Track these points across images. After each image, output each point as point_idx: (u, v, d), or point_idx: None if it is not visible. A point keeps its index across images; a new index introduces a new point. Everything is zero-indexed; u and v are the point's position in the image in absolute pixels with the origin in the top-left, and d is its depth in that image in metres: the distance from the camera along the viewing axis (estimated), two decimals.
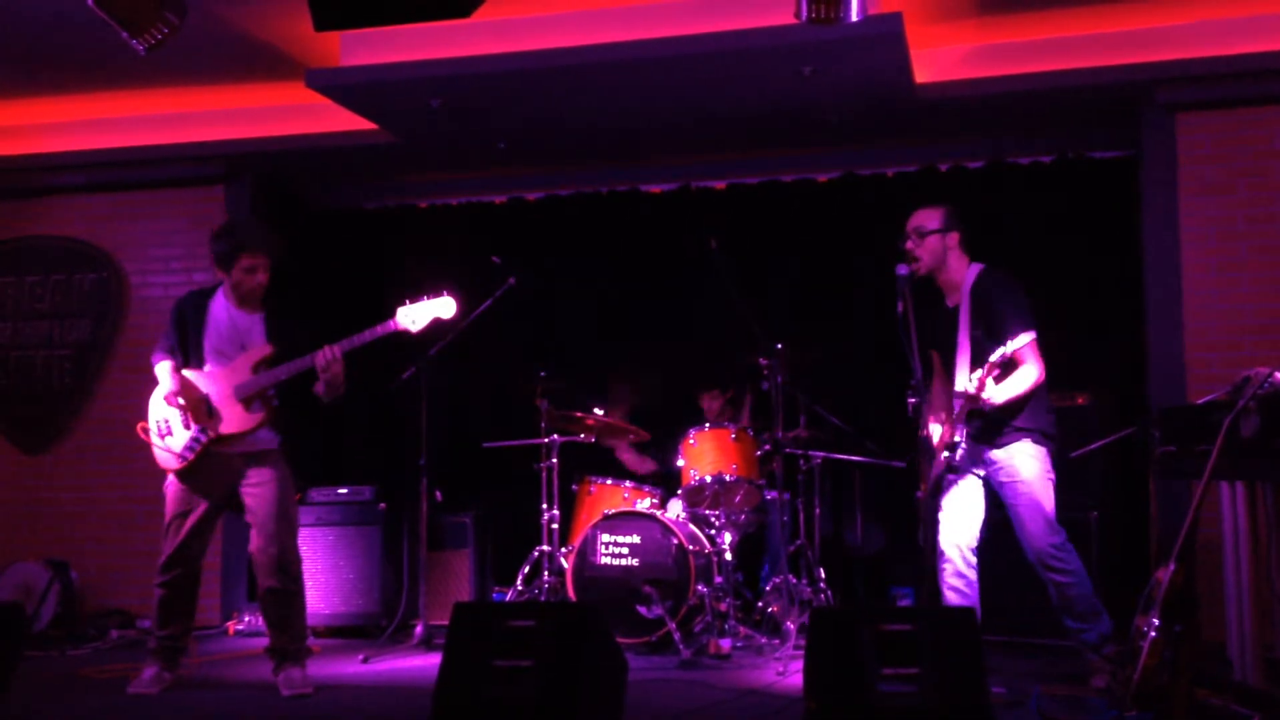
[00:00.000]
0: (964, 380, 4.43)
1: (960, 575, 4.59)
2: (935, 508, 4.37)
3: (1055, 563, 4.46)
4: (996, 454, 4.55)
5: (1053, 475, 4.55)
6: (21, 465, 7.21)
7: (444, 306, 4.72)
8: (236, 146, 6.87)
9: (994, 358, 4.19)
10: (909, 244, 4.67)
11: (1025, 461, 4.51)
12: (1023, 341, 4.29)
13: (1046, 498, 4.50)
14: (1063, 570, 4.45)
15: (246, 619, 6.47)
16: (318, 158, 7.01)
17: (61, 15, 5.54)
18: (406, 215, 7.59)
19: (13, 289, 7.33)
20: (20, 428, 7.26)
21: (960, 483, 4.62)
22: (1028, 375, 4.44)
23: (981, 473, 4.63)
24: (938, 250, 4.64)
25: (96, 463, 7.05)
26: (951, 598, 4.59)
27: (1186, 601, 3.49)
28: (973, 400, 4.31)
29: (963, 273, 4.68)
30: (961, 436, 4.44)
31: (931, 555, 4.45)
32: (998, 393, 4.34)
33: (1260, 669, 3.99)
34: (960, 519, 4.60)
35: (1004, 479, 4.54)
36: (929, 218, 4.67)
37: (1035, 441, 4.53)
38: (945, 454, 4.42)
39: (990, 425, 4.54)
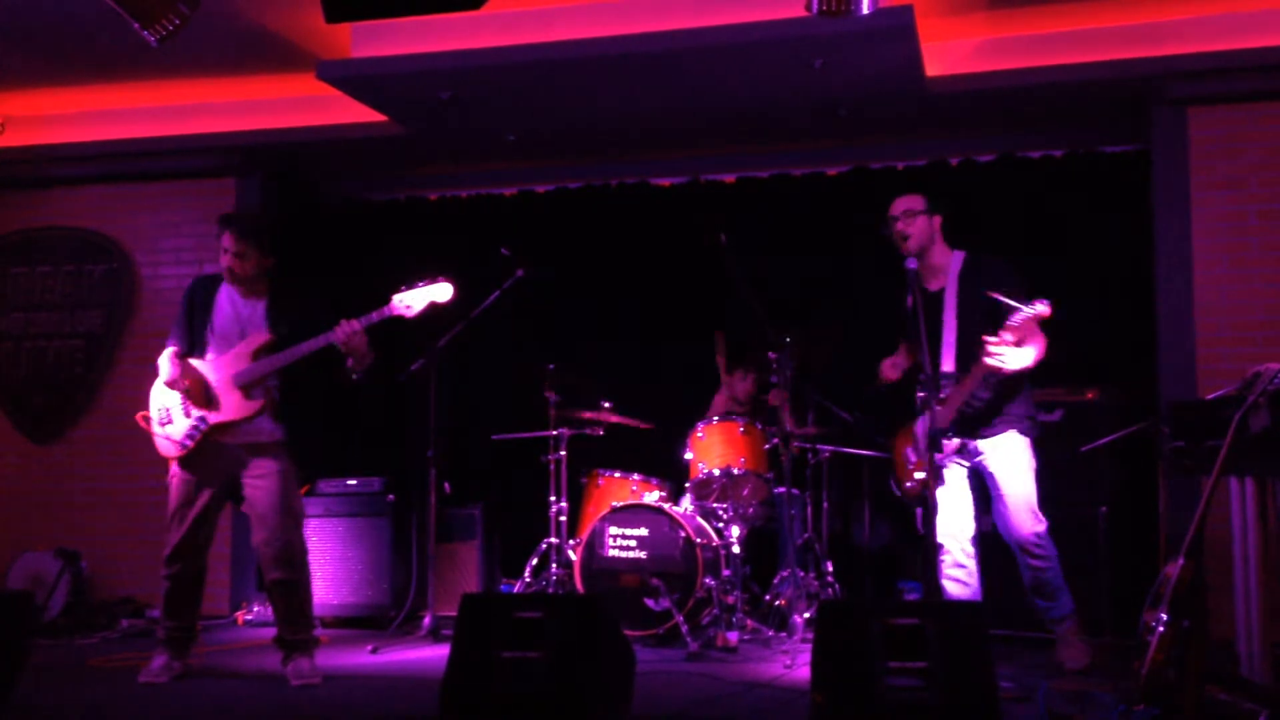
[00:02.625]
0: (951, 361, 4.55)
1: (960, 565, 4.66)
2: (932, 497, 4.41)
3: (1037, 550, 4.61)
4: (984, 443, 4.65)
5: (1036, 464, 4.68)
6: (33, 455, 7.25)
7: (439, 291, 4.72)
8: (247, 138, 6.89)
9: (1017, 320, 4.22)
10: (899, 225, 4.76)
11: (1013, 451, 4.63)
12: (1042, 309, 4.27)
13: (1032, 487, 4.63)
14: (1043, 557, 4.62)
15: (255, 609, 6.49)
16: (328, 149, 7.02)
17: (73, 6, 5.56)
18: (416, 207, 7.60)
19: (24, 279, 7.36)
20: (32, 417, 7.29)
21: (950, 473, 4.70)
22: (1037, 347, 4.48)
23: (967, 462, 4.72)
24: (926, 231, 4.76)
25: (107, 453, 7.08)
26: (952, 588, 4.65)
27: (1195, 597, 3.48)
28: (992, 370, 4.38)
29: (946, 257, 4.80)
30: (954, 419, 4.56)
31: (932, 547, 4.51)
32: (1018, 358, 4.38)
33: (1269, 665, 3.98)
34: (954, 510, 4.66)
35: (991, 468, 4.64)
36: (914, 201, 4.81)
37: (1022, 432, 4.65)
38: (946, 440, 4.50)
39: (982, 413, 4.61)
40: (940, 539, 4.62)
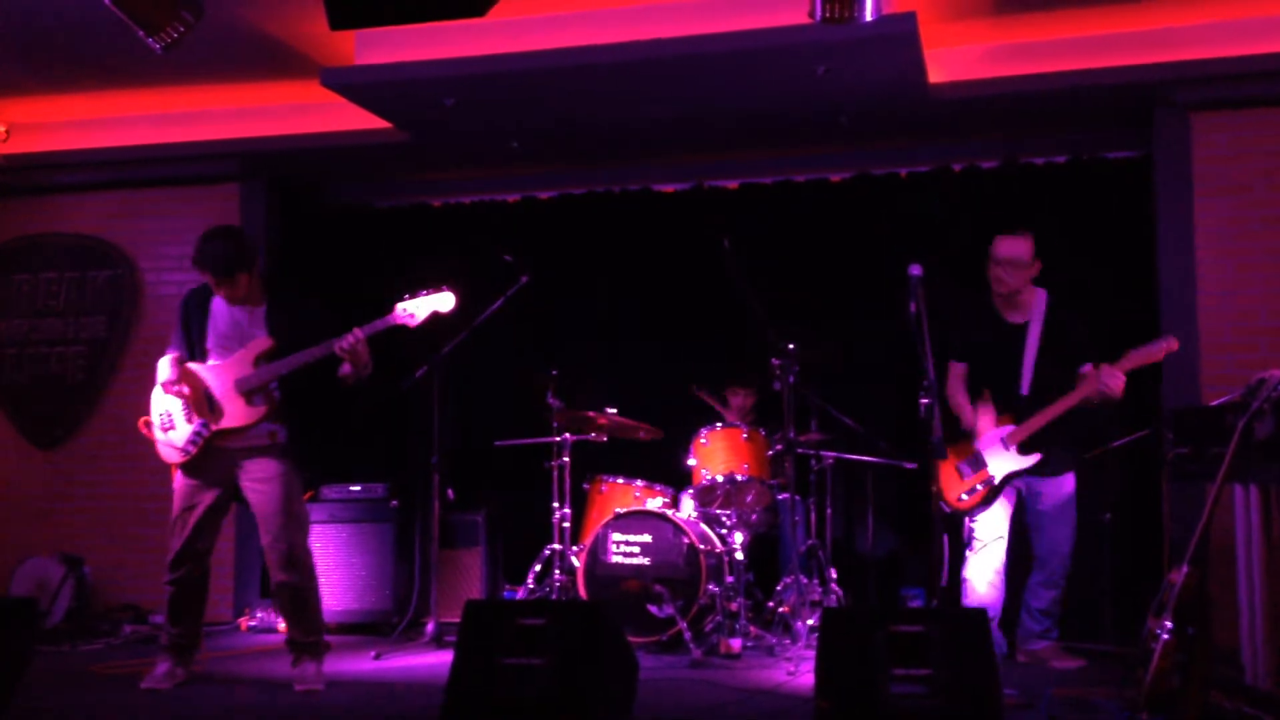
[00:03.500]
0: (1027, 386, 4.99)
1: (998, 572, 4.97)
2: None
3: (1068, 565, 5.03)
4: (1048, 480, 4.99)
5: None
6: (36, 461, 7.25)
7: (442, 300, 4.72)
8: (251, 145, 6.89)
9: (1147, 354, 4.83)
10: (1002, 271, 5.01)
11: (1068, 488, 5.00)
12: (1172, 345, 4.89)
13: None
14: (1066, 580, 5.03)
15: (259, 615, 6.49)
16: (332, 156, 7.02)
17: (77, 13, 5.57)
18: (420, 214, 7.59)
19: (28, 286, 7.37)
20: (35, 423, 7.30)
21: (1007, 488, 5.02)
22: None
23: (1019, 482, 5.03)
24: (1023, 279, 5.03)
25: (111, 458, 7.08)
26: (985, 591, 4.96)
27: (1199, 604, 3.48)
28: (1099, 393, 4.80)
29: (1032, 295, 5.09)
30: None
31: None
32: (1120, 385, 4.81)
33: (1273, 672, 3.97)
34: (1001, 521, 4.99)
35: (1047, 493, 4.98)
36: (1023, 248, 5.04)
37: (1073, 474, 5.06)
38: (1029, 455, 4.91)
39: (1054, 451, 4.95)
40: (988, 543, 4.98)
